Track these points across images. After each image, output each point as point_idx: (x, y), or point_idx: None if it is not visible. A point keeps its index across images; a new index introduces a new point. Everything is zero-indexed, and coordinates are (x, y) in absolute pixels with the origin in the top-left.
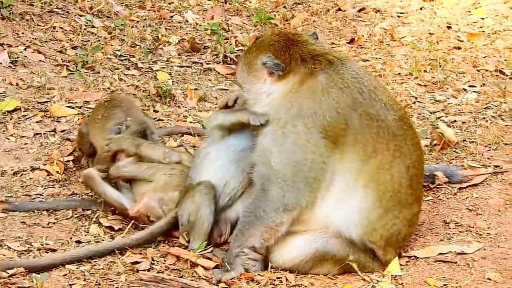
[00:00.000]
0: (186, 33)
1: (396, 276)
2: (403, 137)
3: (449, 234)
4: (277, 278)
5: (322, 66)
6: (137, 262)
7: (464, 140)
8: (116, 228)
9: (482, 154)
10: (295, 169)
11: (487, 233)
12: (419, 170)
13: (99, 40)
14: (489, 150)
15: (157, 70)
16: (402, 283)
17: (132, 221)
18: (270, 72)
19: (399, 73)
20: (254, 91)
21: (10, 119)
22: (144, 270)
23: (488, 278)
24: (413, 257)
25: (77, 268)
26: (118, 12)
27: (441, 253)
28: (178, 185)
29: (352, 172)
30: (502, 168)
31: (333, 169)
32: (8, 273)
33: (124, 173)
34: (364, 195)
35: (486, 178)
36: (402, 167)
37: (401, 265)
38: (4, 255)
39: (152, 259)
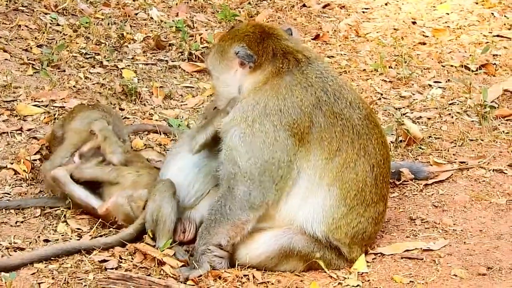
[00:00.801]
0: (151, 31)
1: (362, 273)
2: (368, 136)
3: (415, 230)
4: (244, 275)
5: (290, 65)
6: (105, 261)
7: (429, 137)
8: (84, 229)
9: (448, 150)
10: (262, 168)
11: (453, 230)
12: (384, 169)
13: (64, 38)
14: (455, 146)
15: (122, 68)
16: (368, 280)
17: (99, 221)
18: (242, 63)
19: (364, 69)
20: (223, 80)
21: None
22: (112, 269)
23: (454, 275)
24: (379, 254)
25: (45, 267)
26: (83, 9)
27: (407, 250)
28: (148, 184)
29: (317, 170)
30: (467, 164)
31: (299, 167)
32: None
33: (86, 175)
34: (329, 193)
35: (452, 174)
36: (366, 165)
37: (367, 262)
38: None
39: (120, 257)
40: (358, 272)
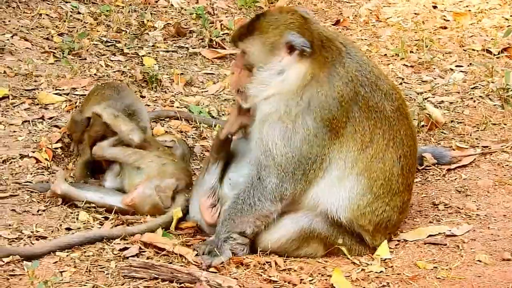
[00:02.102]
0: (172, 18)
1: (385, 259)
2: (397, 127)
3: (438, 216)
4: (266, 262)
5: (333, 56)
6: (125, 249)
7: (452, 121)
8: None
9: (470, 135)
10: (298, 162)
11: (476, 215)
12: (411, 159)
13: (85, 27)
14: (477, 130)
15: (143, 56)
16: (392, 266)
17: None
18: (290, 51)
19: (385, 54)
20: (267, 69)
21: None
22: (133, 256)
23: (478, 260)
24: (402, 240)
25: (67, 256)
26: None
27: (430, 235)
28: (174, 173)
29: (348, 161)
30: (490, 148)
31: (331, 158)
32: (4, 261)
33: (106, 155)
34: (357, 182)
35: (475, 159)
36: (394, 156)
37: (390, 248)
38: None
39: (141, 246)
40: (381, 258)
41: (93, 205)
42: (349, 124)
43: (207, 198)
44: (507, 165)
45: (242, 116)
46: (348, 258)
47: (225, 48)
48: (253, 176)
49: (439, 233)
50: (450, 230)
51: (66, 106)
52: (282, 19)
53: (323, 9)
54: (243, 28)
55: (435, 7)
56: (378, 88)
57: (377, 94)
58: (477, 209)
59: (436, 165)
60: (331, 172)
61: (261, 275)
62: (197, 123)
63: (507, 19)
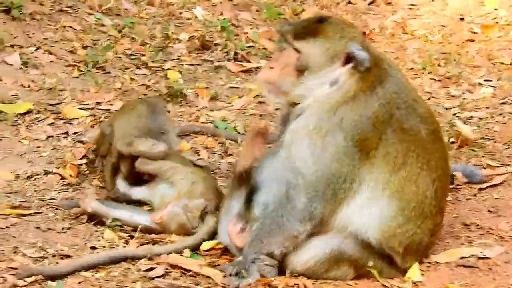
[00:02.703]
0: (196, 30)
1: (416, 282)
2: (432, 150)
3: (469, 237)
4: (295, 284)
5: (380, 76)
6: (151, 269)
7: (482, 138)
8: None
9: (501, 153)
10: (328, 181)
11: (509, 236)
12: (444, 183)
13: (109, 39)
14: (508, 148)
15: (167, 69)
16: None
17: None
18: (346, 62)
19: (412, 68)
20: (320, 76)
21: (23, 122)
22: (160, 277)
23: (511, 284)
24: (433, 262)
25: (92, 275)
26: (127, 9)
27: (462, 257)
28: (203, 193)
29: (379, 182)
30: None
31: (361, 179)
32: (27, 281)
33: (150, 168)
34: (388, 204)
35: (507, 178)
36: (428, 179)
37: (421, 270)
38: (20, 262)
39: (167, 267)
40: (412, 281)
41: (119, 223)
42: (381, 145)
43: (236, 224)
44: None
45: (255, 148)
46: (378, 281)
47: (250, 62)
48: (282, 195)
49: (471, 255)
50: (482, 252)
51: (90, 121)
52: (347, 30)
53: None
54: (301, 27)
55: (462, 19)
56: (415, 112)
57: (412, 117)
58: (510, 230)
59: (467, 184)
60: (361, 193)
61: None
62: (223, 139)
63: None
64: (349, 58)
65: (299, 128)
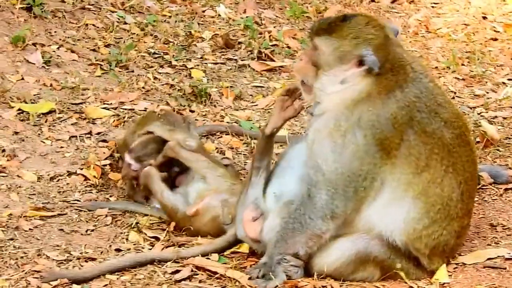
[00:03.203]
0: (219, 28)
1: (444, 283)
2: (458, 154)
3: (496, 238)
4: (322, 286)
5: (398, 80)
6: (177, 271)
7: (507, 138)
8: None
9: None
10: (348, 179)
11: None
12: (471, 185)
13: (132, 38)
14: None
15: (191, 68)
16: None
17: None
18: (359, 65)
19: (436, 67)
20: (332, 73)
21: (45, 122)
22: (185, 279)
23: None
24: (461, 264)
25: (117, 278)
26: (149, 7)
27: (489, 258)
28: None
29: (402, 183)
30: None
31: (383, 179)
32: (51, 285)
33: (180, 154)
34: (413, 205)
35: None
36: (453, 182)
37: (449, 271)
38: (43, 264)
39: (192, 269)
40: (439, 283)
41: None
42: (403, 146)
43: (250, 211)
44: None
45: (287, 110)
46: (406, 282)
47: (274, 60)
48: (304, 193)
49: (498, 256)
50: (509, 253)
51: (114, 120)
52: (365, 31)
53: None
54: (325, 24)
55: (484, 17)
56: (438, 116)
57: (436, 121)
58: None
59: (493, 185)
60: (384, 193)
61: None
62: (248, 139)
63: None
64: (361, 61)
65: (321, 127)
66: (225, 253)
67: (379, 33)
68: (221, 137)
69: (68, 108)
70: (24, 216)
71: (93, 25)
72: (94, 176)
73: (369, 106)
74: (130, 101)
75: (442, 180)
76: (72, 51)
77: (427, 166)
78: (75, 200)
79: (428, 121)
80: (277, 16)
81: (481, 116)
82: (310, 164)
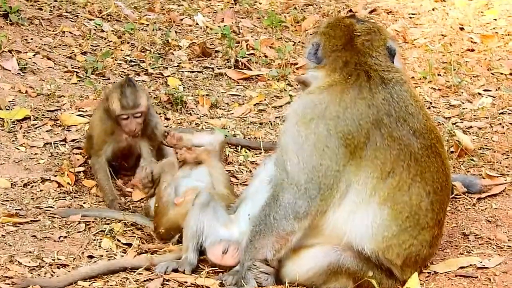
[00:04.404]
0: (197, 37)
1: None
2: (427, 164)
3: (468, 247)
4: None
5: (358, 79)
6: (150, 280)
7: (481, 148)
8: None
9: (500, 163)
10: (309, 174)
11: (508, 246)
12: (442, 196)
13: (108, 45)
14: (507, 158)
15: (167, 76)
16: None
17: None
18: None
19: (413, 77)
20: (308, 71)
21: (20, 128)
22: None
23: None
24: (433, 272)
25: (89, 285)
26: (127, 15)
27: (461, 267)
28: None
29: (367, 187)
30: None
31: (347, 181)
32: None
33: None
34: (380, 211)
35: (505, 187)
36: (422, 191)
37: (420, 280)
38: (16, 271)
39: (164, 277)
40: None
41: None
42: (369, 146)
43: (215, 249)
44: None
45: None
46: None
47: (251, 69)
48: (269, 195)
49: (470, 264)
50: (481, 262)
51: (88, 128)
52: (330, 30)
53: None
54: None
55: (462, 28)
56: (407, 124)
57: (404, 128)
58: (508, 240)
59: (466, 194)
60: (349, 196)
61: None
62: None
63: None
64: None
65: (290, 114)
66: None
67: (342, 34)
68: None
69: (43, 115)
70: None
71: (70, 32)
72: (68, 183)
73: (336, 96)
74: None
75: (410, 188)
76: (48, 58)
77: (393, 172)
78: (49, 206)
79: (396, 126)
80: (254, 25)
81: (456, 126)
82: (276, 161)
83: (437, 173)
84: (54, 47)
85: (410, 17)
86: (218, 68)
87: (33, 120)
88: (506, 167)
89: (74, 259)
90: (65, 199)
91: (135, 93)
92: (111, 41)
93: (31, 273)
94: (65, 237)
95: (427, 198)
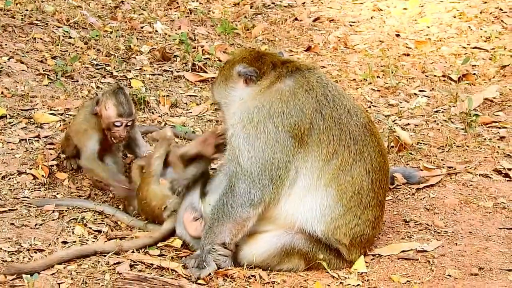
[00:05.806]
0: (156, 43)
1: (362, 273)
2: (364, 143)
3: (409, 232)
4: (251, 275)
5: (291, 70)
6: (119, 263)
7: (418, 143)
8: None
9: (436, 156)
10: (262, 167)
11: (445, 231)
12: (381, 175)
13: (76, 50)
14: (442, 152)
15: (131, 78)
16: (368, 280)
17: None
18: (246, 80)
19: (354, 79)
20: (230, 100)
21: None
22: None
23: (448, 275)
24: (377, 255)
25: (64, 268)
26: (92, 23)
27: (403, 251)
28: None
29: (314, 171)
30: (455, 169)
31: (297, 168)
32: (6, 277)
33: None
34: (326, 193)
35: (441, 179)
36: (362, 170)
37: (366, 262)
38: None
39: (132, 260)
40: (358, 272)
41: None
42: (313, 132)
43: (189, 213)
44: (471, 185)
45: (205, 145)
46: (328, 272)
47: (206, 72)
48: (226, 185)
49: (411, 248)
50: (421, 246)
51: (60, 125)
52: (235, 58)
53: (295, 36)
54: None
55: (398, 35)
56: (341, 103)
57: (340, 107)
58: (445, 226)
59: (406, 185)
60: (299, 182)
61: None
62: (183, 140)
63: (464, 47)
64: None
65: (236, 123)
66: (159, 244)
67: (249, 52)
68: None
69: (18, 114)
70: None
71: (41, 39)
72: (42, 176)
73: (276, 94)
74: (75, 108)
75: (351, 167)
76: (22, 62)
77: (336, 153)
78: (25, 197)
79: (333, 106)
80: (209, 32)
81: (395, 123)
82: (230, 157)
83: (374, 152)
84: (27, 52)
85: (351, 25)
86: (177, 71)
87: (9, 119)
88: (442, 160)
89: (49, 244)
90: (40, 190)
91: (129, 102)
92: (78, 46)
93: (11, 257)
94: (41, 224)
95: (368, 178)
